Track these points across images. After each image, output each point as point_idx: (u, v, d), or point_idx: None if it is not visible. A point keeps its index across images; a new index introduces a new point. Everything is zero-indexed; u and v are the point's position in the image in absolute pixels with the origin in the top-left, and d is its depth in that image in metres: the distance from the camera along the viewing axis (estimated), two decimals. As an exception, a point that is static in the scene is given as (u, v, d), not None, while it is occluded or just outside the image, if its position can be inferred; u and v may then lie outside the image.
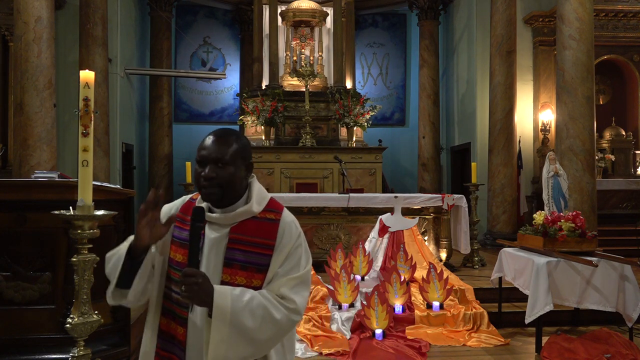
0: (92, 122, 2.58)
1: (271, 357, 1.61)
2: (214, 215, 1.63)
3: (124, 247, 1.64)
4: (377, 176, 9.67)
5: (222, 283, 1.57)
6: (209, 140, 1.64)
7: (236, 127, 11.75)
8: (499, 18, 9.65)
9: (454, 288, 5.44)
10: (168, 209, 1.76)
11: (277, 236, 1.64)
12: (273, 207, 1.70)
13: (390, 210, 6.48)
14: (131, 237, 1.64)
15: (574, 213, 4.73)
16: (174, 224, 1.65)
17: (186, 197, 1.79)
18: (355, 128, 9.92)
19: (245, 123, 10.25)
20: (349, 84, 10.89)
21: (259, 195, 1.68)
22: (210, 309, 1.48)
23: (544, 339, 4.55)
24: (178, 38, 13.59)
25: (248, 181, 1.70)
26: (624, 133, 10.24)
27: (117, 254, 1.65)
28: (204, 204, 1.65)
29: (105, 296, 1.67)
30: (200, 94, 13.92)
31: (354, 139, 9.99)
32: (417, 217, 6.70)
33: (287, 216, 1.70)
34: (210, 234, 1.61)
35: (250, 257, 1.60)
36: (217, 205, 1.64)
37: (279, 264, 1.62)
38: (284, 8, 10.79)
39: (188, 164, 7.33)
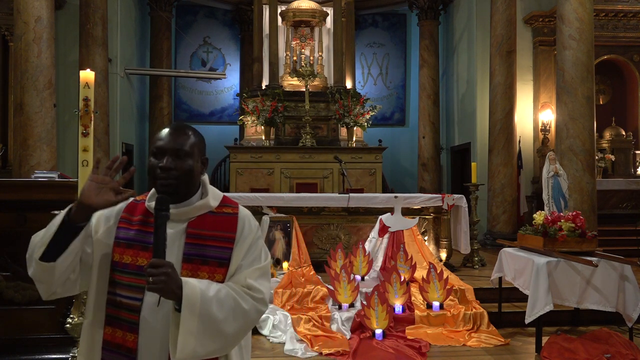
0: (92, 122, 2.58)
1: (231, 357, 1.58)
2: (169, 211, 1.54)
3: (58, 216, 1.49)
4: (377, 176, 9.67)
5: None
6: (166, 131, 1.59)
7: (236, 127, 11.78)
8: (499, 18, 9.65)
9: (454, 288, 5.44)
10: (109, 211, 1.62)
11: (237, 229, 1.61)
12: (229, 203, 1.68)
13: (390, 210, 6.47)
14: (64, 211, 1.50)
15: (574, 213, 4.73)
16: (117, 221, 1.59)
17: (130, 199, 1.70)
18: (355, 128, 9.91)
19: (245, 123, 10.24)
20: (349, 84, 10.88)
21: (213, 192, 1.67)
22: (179, 301, 1.41)
23: (544, 339, 4.54)
24: (178, 38, 13.59)
25: (202, 177, 1.67)
26: (624, 133, 10.24)
27: (49, 224, 1.50)
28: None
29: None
30: (200, 94, 13.92)
31: (354, 139, 9.98)
32: (417, 217, 6.69)
33: (244, 210, 1.69)
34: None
35: (211, 252, 1.56)
36: (172, 197, 1.56)
37: (241, 256, 1.58)
38: (284, 8, 10.77)
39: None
